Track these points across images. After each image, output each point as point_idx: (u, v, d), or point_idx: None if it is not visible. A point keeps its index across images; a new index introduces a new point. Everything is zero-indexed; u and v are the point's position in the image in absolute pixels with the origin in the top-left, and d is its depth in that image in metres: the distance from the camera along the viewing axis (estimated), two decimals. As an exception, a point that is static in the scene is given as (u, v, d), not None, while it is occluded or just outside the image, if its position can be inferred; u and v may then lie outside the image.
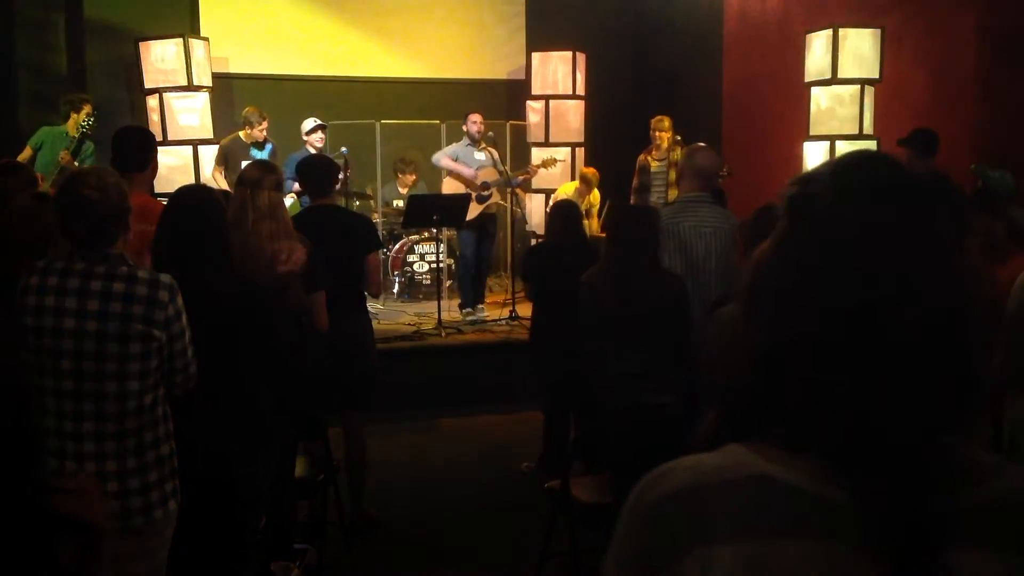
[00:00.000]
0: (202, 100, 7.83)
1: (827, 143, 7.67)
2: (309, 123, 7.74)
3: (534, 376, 5.48)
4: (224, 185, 7.03)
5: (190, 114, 7.76)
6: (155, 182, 4.59)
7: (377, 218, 8.56)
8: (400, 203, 8.65)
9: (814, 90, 7.81)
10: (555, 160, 8.20)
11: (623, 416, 3.59)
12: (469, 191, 7.63)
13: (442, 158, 7.81)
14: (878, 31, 7.59)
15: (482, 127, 7.78)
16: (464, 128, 7.87)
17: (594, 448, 3.80)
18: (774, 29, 8.93)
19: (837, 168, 0.90)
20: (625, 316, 3.78)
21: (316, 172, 4.46)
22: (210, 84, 7.92)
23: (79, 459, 2.50)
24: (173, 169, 7.43)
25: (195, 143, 7.69)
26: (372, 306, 6.87)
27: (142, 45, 7.81)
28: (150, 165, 4.04)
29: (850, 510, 0.80)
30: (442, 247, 8.27)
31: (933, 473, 0.80)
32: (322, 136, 7.74)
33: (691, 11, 9.35)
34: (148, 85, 7.80)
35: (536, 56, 9.21)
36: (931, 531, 0.79)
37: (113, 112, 7.86)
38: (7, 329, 2.60)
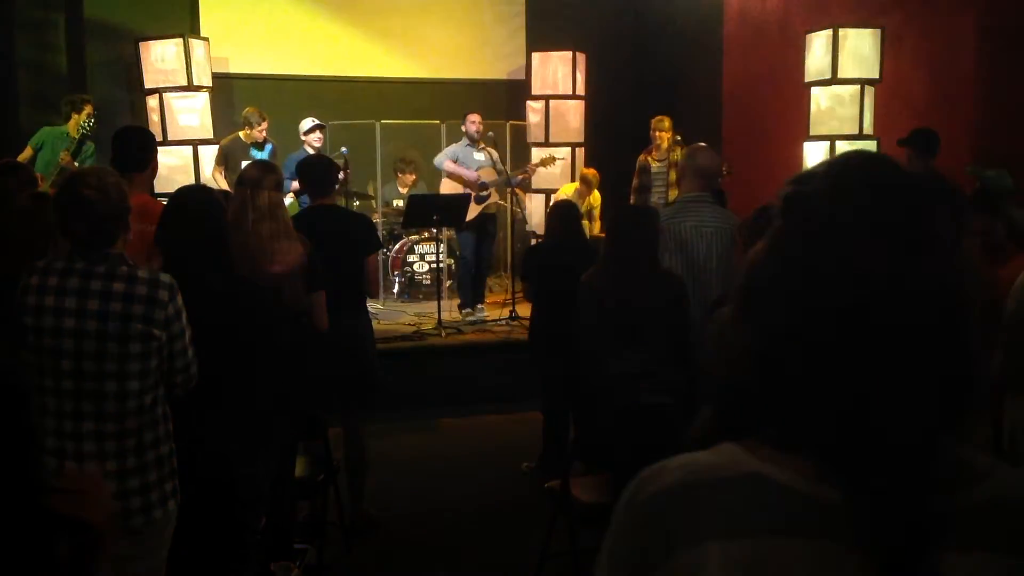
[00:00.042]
0: (202, 100, 7.83)
1: (827, 143, 7.67)
2: (307, 123, 7.74)
3: (534, 376, 5.48)
4: (224, 185, 7.03)
5: (190, 114, 7.76)
6: (155, 182, 4.59)
7: (377, 218, 8.56)
8: (400, 203, 8.65)
9: (814, 90, 7.81)
10: (554, 159, 8.20)
11: (623, 416, 3.59)
12: (468, 191, 7.63)
13: (444, 161, 7.81)
14: (878, 31, 7.59)
15: (481, 127, 7.78)
16: (463, 128, 7.87)
17: (594, 448, 3.79)
18: (774, 29, 8.93)
19: (833, 167, 0.90)
20: (625, 316, 3.78)
21: (316, 172, 4.46)
22: (210, 84, 7.92)
23: (79, 459, 2.50)
24: (173, 169, 7.43)
25: (195, 143, 7.68)
26: (372, 306, 6.86)
27: (142, 45, 7.81)
28: (150, 165, 4.04)
29: (843, 510, 0.80)
30: (442, 247, 8.27)
31: (927, 474, 0.80)
32: (320, 136, 7.74)
33: (691, 11, 9.35)
34: (148, 85, 7.80)
35: (536, 56, 9.21)
36: (923, 532, 0.78)
37: (113, 112, 7.86)
38: (4, 329, 2.60)
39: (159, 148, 4.45)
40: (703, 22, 9.39)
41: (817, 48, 7.74)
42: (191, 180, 7.33)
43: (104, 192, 2.51)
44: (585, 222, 7.67)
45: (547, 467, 4.98)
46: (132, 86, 8.30)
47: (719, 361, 0.94)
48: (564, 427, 5.08)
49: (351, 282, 4.32)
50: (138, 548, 2.56)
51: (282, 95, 9.15)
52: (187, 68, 7.66)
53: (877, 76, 7.62)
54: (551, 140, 8.93)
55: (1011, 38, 6.85)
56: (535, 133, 9.09)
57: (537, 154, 8.65)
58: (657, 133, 7.56)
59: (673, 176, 7.37)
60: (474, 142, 7.81)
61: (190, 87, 7.72)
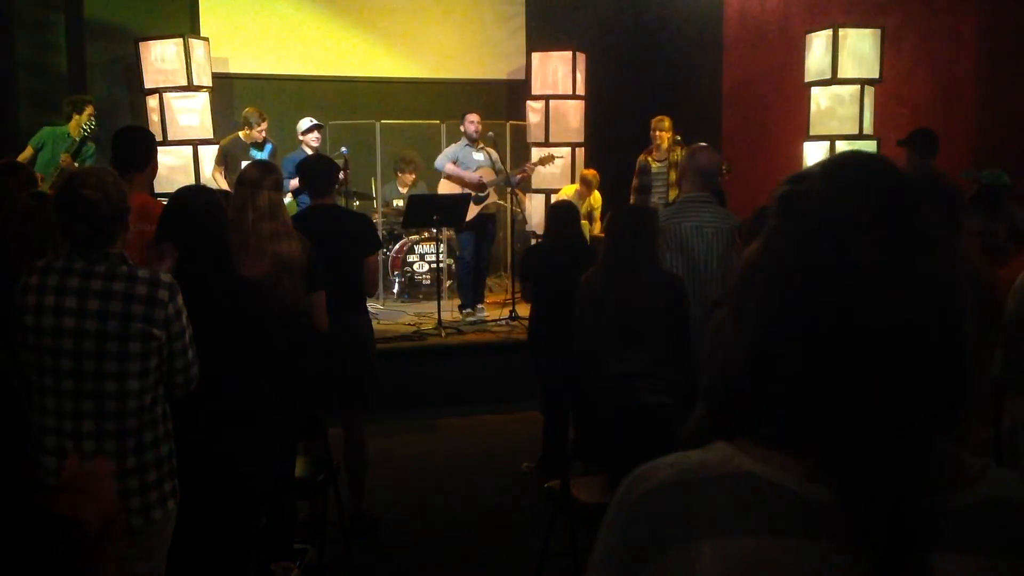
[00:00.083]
0: (202, 100, 7.83)
1: (827, 143, 7.67)
2: (305, 123, 7.74)
3: (534, 376, 5.48)
4: (224, 185, 7.03)
5: (190, 114, 7.76)
6: (155, 182, 4.59)
7: (377, 218, 8.56)
8: (400, 203, 8.65)
9: (814, 90, 7.81)
10: (552, 157, 8.20)
11: (622, 416, 3.59)
12: (468, 191, 7.63)
13: (446, 164, 7.80)
14: (878, 31, 7.59)
15: (479, 127, 7.79)
16: (462, 128, 7.87)
17: (594, 448, 3.79)
18: (774, 29, 8.93)
19: (827, 167, 0.90)
20: (625, 316, 3.78)
21: (316, 172, 4.46)
22: (210, 84, 7.92)
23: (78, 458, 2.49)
24: (173, 169, 7.44)
25: (195, 143, 7.69)
26: (372, 306, 6.86)
27: (142, 45, 7.81)
28: (150, 165, 4.04)
29: (833, 509, 0.80)
30: (442, 247, 8.27)
31: (919, 475, 0.80)
32: (318, 136, 7.73)
33: (691, 11, 9.35)
34: (148, 85, 7.80)
35: (536, 56, 9.21)
36: (914, 532, 0.78)
37: (113, 112, 7.88)
38: (3, 329, 2.60)
39: (159, 148, 4.45)
40: (703, 22, 9.39)
41: (817, 48, 7.75)
42: (191, 180, 7.33)
43: (104, 192, 2.51)
44: (585, 223, 7.67)
45: (547, 467, 4.98)
46: (132, 86, 8.31)
47: (713, 360, 0.94)
48: (564, 427, 5.08)
49: (351, 282, 4.32)
50: (137, 548, 2.56)
51: (282, 95, 9.15)
52: (187, 68, 7.66)
53: (877, 76, 7.62)
54: (551, 140, 8.93)
55: (1011, 38, 6.86)
56: (535, 133, 9.09)
57: (537, 154, 8.66)
58: (657, 133, 7.56)
59: (673, 176, 7.37)
60: (473, 142, 7.81)
61: (190, 87, 7.72)
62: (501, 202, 8.63)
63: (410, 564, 4.29)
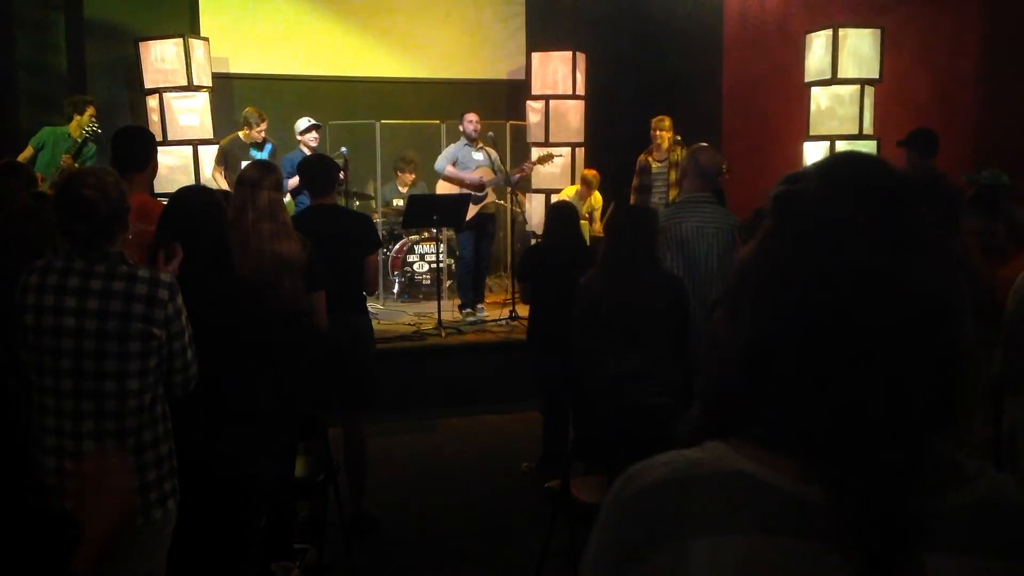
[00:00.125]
0: (202, 100, 7.83)
1: (827, 143, 7.67)
2: (303, 123, 7.74)
3: (533, 376, 5.48)
4: (224, 185, 7.03)
5: (190, 114, 7.76)
6: (155, 182, 4.59)
7: (377, 218, 8.56)
8: (400, 202, 8.65)
9: (814, 90, 7.81)
10: (551, 156, 8.19)
11: (622, 417, 3.59)
12: (468, 191, 7.63)
13: (446, 166, 7.79)
14: (878, 31, 7.59)
15: (478, 126, 7.79)
16: (461, 128, 7.87)
17: (593, 448, 3.79)
18: (774, 29, 8.93)
19: (823, 167, 0.90)
20: (624, 317, 3.78)
21: (317, 172, 4.46)
22: (210, 84, 7.92)
23: (78, 458, 2.50)
24: (173, 169, 7.44)
25: (195, 143, 7.69)
26: (372, 306, 6.87)
27: (142, 45, 7.82)
28: (150, 165, 4.04)
29: (825, 509, 0.80)
30: (442, 247, 8.27)
31: (911, 474, 0.80)
32: (316, 136, 7.73)
33: (691, 11, 9.34)
34: (148, 85, 7.81)
35: (536, 56, 9.21)
36: (906, 532, 0.78)
37: (113, 112, 7.87)
38: (3, 328, 2.60)
39: (159, 148, 4.45)
40: (703, 22, 9.39)
41: (817, 48, 7.75)
42: (191, 180, 7.33)
43: (104, 191, 2.51)
44: (585, 223, 7.67)
45: (547, 467, 4.98)
46: (132, 86, 8.31)
47: (708, 359, 0.94)
48: (564, 427, 5.07)
49: (351, 282, 4.32)
50: (137, 548, 2.56)
51: (282, 95, 9.15)
52: (187, 68, 7.66)
53: (877, 76, 7.62)
54: (551, 140, 8.93)
55: (1011, 38, 6.86)
56: (535, 133, 9.09)
57: (536, 154, 8.66)
58: (658, 133, 7.57)
59: (674, 176, 7.38)
60: (472, 141, 7.81)
61: (190, 87, 7.73)
62: (501, 202, 8.63)
63: (410, 564, 4.29)
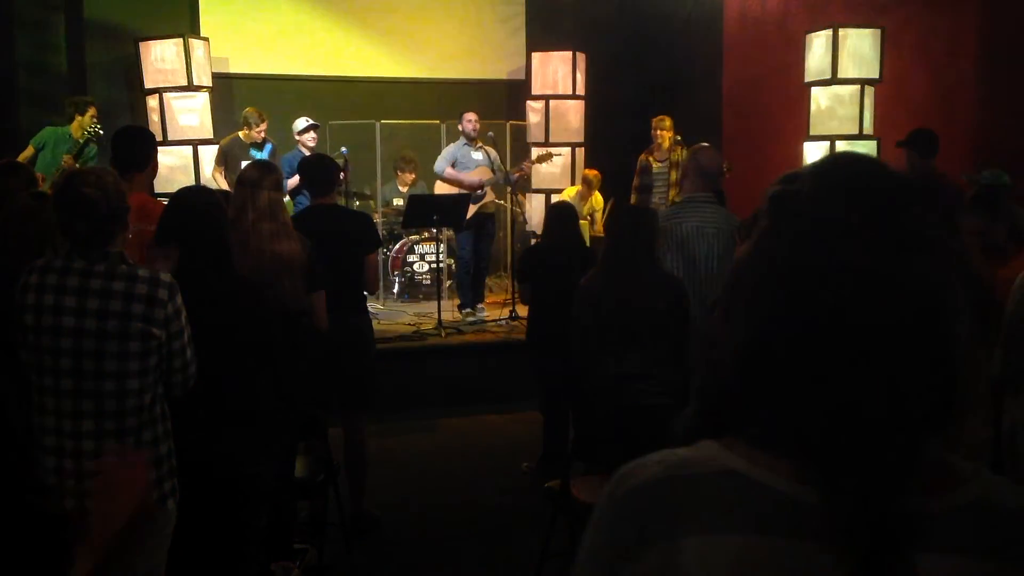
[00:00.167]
0: (202, 100, 7.83)
1: (827, 143, 7.67)
2: (301, 123, 7.74)
3: (533, 376, 5.48)
4: (224, 185, 7.03)
5: (190, 114, 7.76)
6: (155, 182, 4.59)
7: (377, 218, 8.56)
8: (400, 202, 8.65)
9: (814, 90, 7.81)
10: (550, 155, 8.19)
11: (622, 417, 3.59)
12: (467, 191, 7.63)
13: (445, 168, 7.79)
14: (878, 31, 7.59)
15: (477, 125, 7.79)
16: (460, 127, 7.87)
17: (593, 449, 3.79)
18: (774, 29, 8.93)
19: (818, 167, 0.90)
20: (624, 317, 3.78)
21: (318, 171, 4.46)
22: (210, 84, 7.92)
23: (77, 457, 2.50)
24: (173, 169, 7.44)
25: (195, 143, 7.69)
26: (372, 306, 6.87)
27: (142, 45, 7.82)
28: (150, 165, 4.05)
29: (818, 509, 0.80)
30: (442, 247, 8.27)
31: (906, 475, 0.80)
32: (314, 136, 7.73)
33: (691, 11, 9.34)
34: (148, 85, 7.81)
35: (536, 56, 9.21)
36: (899, 532, 0.78)
37: (113, 112, 7.87)
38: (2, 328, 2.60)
39: (159, 148, 4.45)
40: (703, 22, 9.39)
41: (817, 48, 7.75)
42: (191, 180, 7.33)
43: (104, 190, 2.51)
44: (585, 223, 7.67)
45: (547, 467, 4.98)
46: (132, 86, 8.31)
47: (703, 358, 0.94)
48: (564, 427, 5.08)
49: (351, 282, 4.32)
50: (137, 548, 2.55)
51: (282, 95, 9.15)
52: (187, 68, 7.66)
53: (877, 76, 7.62)
54: (551, 140, 8.93)
55: (1011, 38, 6.86)
56: (535, 133, 9.09)
57: (536, 153, 8.66)
58: (658, 132, 7.57)
59: (674, 176, 7.38)
60: (471, 141, 7.81)
61: (190, 87, 7.73)
62: (501, 202, 8.63)
63: (410, 564, 4.29)
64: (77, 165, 6.15)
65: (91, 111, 6.55)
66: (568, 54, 9.03)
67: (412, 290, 8.79)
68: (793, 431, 0.83)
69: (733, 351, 0.88)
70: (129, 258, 2.59)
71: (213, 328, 2.85)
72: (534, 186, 8.96)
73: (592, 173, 8.46)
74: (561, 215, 5.42)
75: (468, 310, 7.80)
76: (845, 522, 0.79)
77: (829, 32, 7.61)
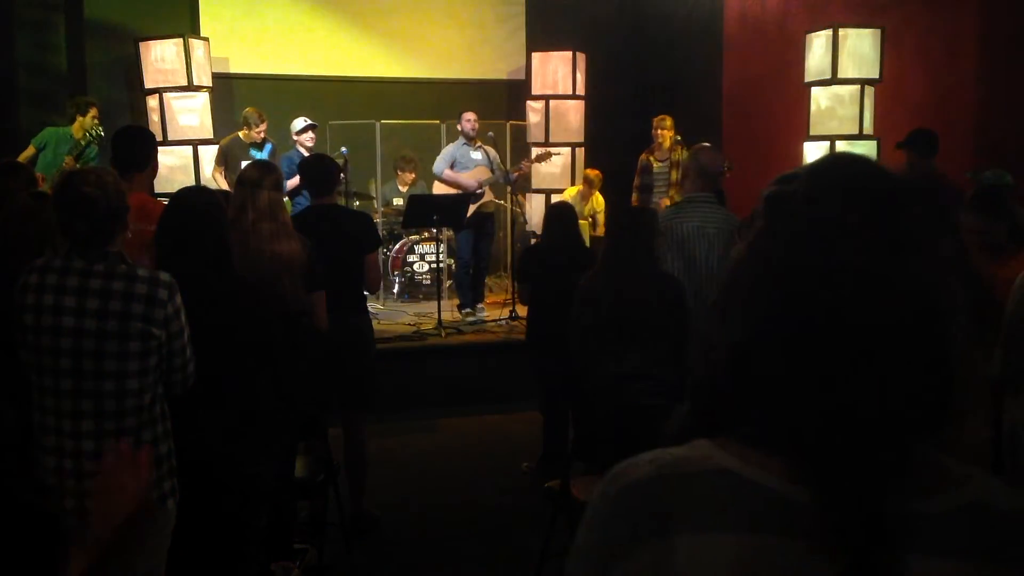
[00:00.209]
0: (202, 100, 7.83)
1: (827, 143, 7.67)
2: (299, 123, 7.74)
3: (533, 376, 5.48)
4: (224, 185, 7.04)
5: (190, 114, 7.76)
6: (155, 182, 4.59)
7: (377, 218, 8.56)
8: (400, 202, 8.65)
9: (814, 90, 7.81)
10: (550, 153, 8.19)
11: (622, 417, 3.59)
12: (467, 191, 7.64)
13: (444, 169, 7.78)
14: (878, 31, 7.59)
15: (476, 125, 7.79)
16: (459, 127, 7.87)
17: (593, 449, 3.80)
18: (774, 29, 8.93)
19: (814, 168, 0.90)
20: (624, 317, 3.78)
21: (318, 171, 4.46)
22: (210, 84, 7.92)
23: (77, 457, 2.50)
24: (173, 169, 7.44)
25: (195, 143, 7.69)
26: (372, 306, 6.87)
27: (142, 45, 7.82)
28: (150, 165, 4.04)
29: (810, 508, 0.80)
30: (442, 247, 8.27)
31: (899, 476, 0.80)
32: (312, 136, 7.73)
33: (691, 11, 9.35)
34: (148, 85, 7.80)
35: (536, 56, 9.21)
36: (890, 533, 0.78)
37: (113, 112, 7.86)
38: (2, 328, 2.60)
39: (159, 148, 4.45)
40: (703, 22, 9.39)
41: (817, 48, 7.75)
42: (191, 180, 7.33)
43: (104, 190, 2.51)
44: (585, 224, 7.67)
45: (547, 467, 4.98)
46: (132, 86, 8.31)
47: (698, 357, 0.94)
48: (564, 427, 5.08)
49: (352, 281, 4.32)
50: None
51: (282, 95, 9.15)
52: (187, 68, 7.66)
53: (877, 76, 7.62)
54: (551, 140, 8.93)
55: (1011, 38, 6.86)
56: (535, 133, 9.09)
57: (535, 153, 8.66)
58: (659, 132, 7.58)
59: (675, 175, 7.39)
60: (470, 140, 7.81)
61: (190, 87, 7.72)
62: (500, 202, 8.62)
63: (410, 564, 4.29)
64: (78, 166, 6.15)
65: (92, 111, 6.55)
66: (568, 54, 9.03)
67: (412, 290, 8.79)
68: (786, 430, 0.83)
69: (727, 350, 0.88)
70: (128, 258, 2.59)
71: (213, 328, 2.85)
72: (534, 186, 8.95)
73: (593, 173, 8.46)
74: (560, 215, 5.42)
75: (468, 310, 7.80)
76: (837, 521, 0.78)
77: (829, 32, 7.61)
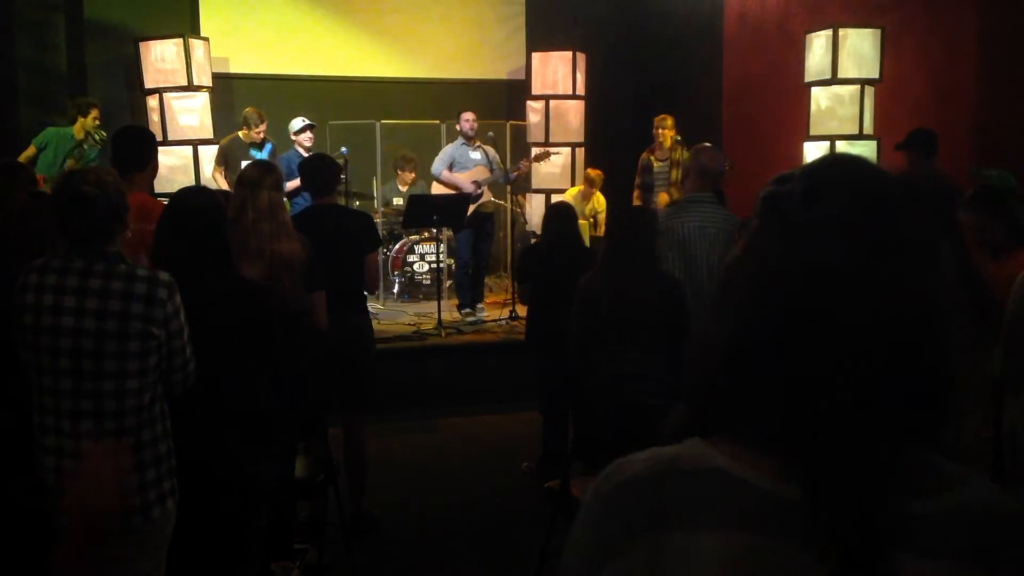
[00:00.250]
0: (202, 100, 7.83)
1: (827, 143, 7.67)
2: (297, 123, 7.74)
3: (533, 376, 5.48)
4: (224, 185, 7.04)
5: (190, 114, 7.76)
6: (155, 182, 4.59)
7: (377, 218, 8.56)
8: (400, 201, 8.65)
9: (814, 90, 7.81)
10: (548, 153, 8.19)
11: (620, 417, 3.59)
12: (467, 191, 7.64)
13: (442, 171, 7.78)
14: (878, 31, 7.59)
15: (475, 124, 7.79)
16: (458, 127, 7.88)
17: (593, 448, 3.79)
18: (774, 29, 8.93)
19: (810, 168, 0.91)
20: (623, 317, 3.78)
21: (318, 171, 4.46)
22: (210, 84, 7.92)
23: (76, 458, 2.49)
24: (173, 169, 7.44)
25: (195, 143, 7.69)
26: (372, 306, 6.87)
27: (142, 45, 7.82)
28: (150, 165, 4.05)
29: (800, 508, 0.80)
30: (442, 247, 8.27)
31: (889, 477, 0.80)
32: (311, 136, 7.73)
33: (691, 11, 9.35)
34: (148, 85, 7.81)
35: (536, 56, 9.21)
36: (880, 534, 0.78)
37: (113, 112, 7.87)
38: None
39: (159, 148, 4.45)
40: (703, 22, 9.39)
41: (817, 48, 7.74)
42: (191, 180, 7.33)
43: (103, 189, 2.51)
44: (585, 224, 7.67)
45: (547, 467, 4.98)
46: (132, 86, 8.31)
47: (693, 357, 0.94)
48: (563, 427, 5.08)
49: (352, 281, 4.32)
50: (136, 547, 2.56)
51: (282, 95, 9.15)
52: (187, 68, 7.66)
53: (877, 76, 7.62)
54: (551, 140, 8.93)
55: (1011, 38, 6.85)
56: (535, 133, 9.10)
57: (534, 153, 8.66)
58: (660, 131, 7.59)
59: (675, 175, 7.40)
60: (469, 140, 7.81)
61: (190, 87, 7.72)
62: (500, 202, 8.62)
63: (410, 564, 4.29)
64: (79, 166, 6.16)
65: (94, 112, 6.56)
66: (568, 54, 9.03)
67: (412, 290, 8.79)
68: (778, 429, 0.83)
69: (722, 348, 0.88)
70: (128, 258, 2.59)
71: (213, 328, 2.85)
72: (534, 186, 8.96)
73: (595, 172, 8.46)
74: (560, 214, 5.42)
75: (467, 310, 7.80)
76: (827, 521, 0.78)
77: (829, 32, 7.61)
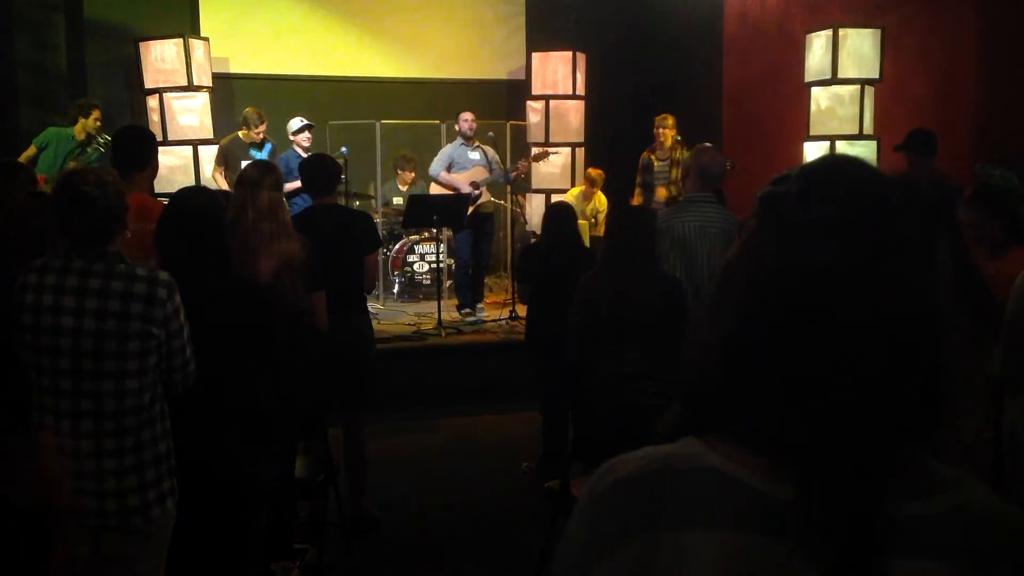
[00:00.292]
0: (202, 100, 7.83)
1: (827, 143, 7.67)
2: (296, 123, 7.74)
3: (533, 376, 5.48)
4: (224, 185, 7.04)
5: (190, 114, 7.76)
6: (155, 182, 4.59)
7: (377, 218, 8.56)
8: (400, 201, 8.65)
9: (814, 90, 7.81)
10: (547, 152, 8.19)
11: (620, 417, 3.59)
12: (466, 191, 7.64)
13: (440, 172, 7.78)
14: (878, 31, 7.59)
15: (474, 124, 7.79)
16: (457, 127, 7.88)
17: (593, 448, 3.79)
18: (774, 29, 8.93)
19: (807, 169, 0.91)
20: (623, 317, 3.78)
21: (318, 171, 4.46)
22: (210, 84, 7.92)
23: (76, 457, 2.50)
24: (173, 169, 7.44)
25: (195, 143, 7.69)
26: (372, 306, 6.87)
27: (142, 45, 7.82)
28: (150, 165, 4.04)
29: (793, 508, 0.80)
30: (442, 247, 8.27)
31: (884, 478, 0.80)
32: (309, 136, 7.73)
33: (691, 11, 9.35)
34: (148, 85, 7.80)
35: (536, 56, 9.21)
36: (873, 535, 0.78)
37: (113, 112, 7.86)
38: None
39: (159, 148, 4.45)
40: (703, 22, 9.39)
41: (817, 48, 7.75)
42: (191, 180, 7.33)
43: (103, 189, 2.51)
44: (585, 224, 7.67)
45: (547, 467, 4.98)
46: (132, 86, 8.31)
47: (690, 356, 0.94)
48: (563, 427, 5.08)
49: (352, 281, 4.32)
50: (137, 547, 2.56)
51: (282, 95, 9.15)
52: (187, 68, 7.66)
53: (877, 76, 7.62)
54: (551, 140, 8.93)
55: (1011, 38, 6.86)
56: (535, 133, 9.09)
57: (534, 152, 8.66)
58: (660, 131, 7.60)
59: (675, 174, 7.40)
60: (468, 140, 7.81)
61: (190, 87, 7.72)
62: (500, 202, 8.62)
63: (410, 564, 4.29)
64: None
65: (95, 113, 6.56)
66: (568, 54, 9.03)
67: (412, 290, 8.79)
68: (773, 430, 0.83)
69: (718, 348, 0.88)
70: (128, 258, 2.59)
71: (213, 328, 2.85)
72: (534, 186, 8.96)
73: (596, 172, 8.46)
74: (560, 214, 5.42)
75: (467, 310, 7.80)
76: (820, 521, 0.78)
77: (829, 32, 7.61)
